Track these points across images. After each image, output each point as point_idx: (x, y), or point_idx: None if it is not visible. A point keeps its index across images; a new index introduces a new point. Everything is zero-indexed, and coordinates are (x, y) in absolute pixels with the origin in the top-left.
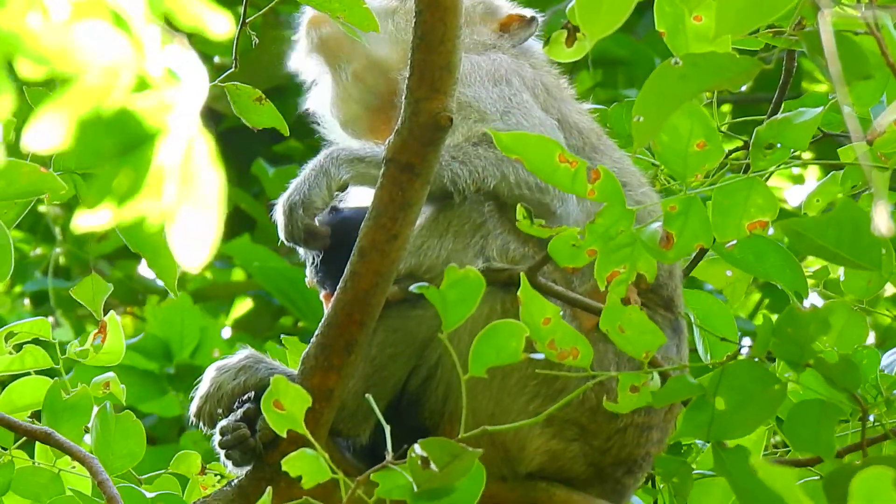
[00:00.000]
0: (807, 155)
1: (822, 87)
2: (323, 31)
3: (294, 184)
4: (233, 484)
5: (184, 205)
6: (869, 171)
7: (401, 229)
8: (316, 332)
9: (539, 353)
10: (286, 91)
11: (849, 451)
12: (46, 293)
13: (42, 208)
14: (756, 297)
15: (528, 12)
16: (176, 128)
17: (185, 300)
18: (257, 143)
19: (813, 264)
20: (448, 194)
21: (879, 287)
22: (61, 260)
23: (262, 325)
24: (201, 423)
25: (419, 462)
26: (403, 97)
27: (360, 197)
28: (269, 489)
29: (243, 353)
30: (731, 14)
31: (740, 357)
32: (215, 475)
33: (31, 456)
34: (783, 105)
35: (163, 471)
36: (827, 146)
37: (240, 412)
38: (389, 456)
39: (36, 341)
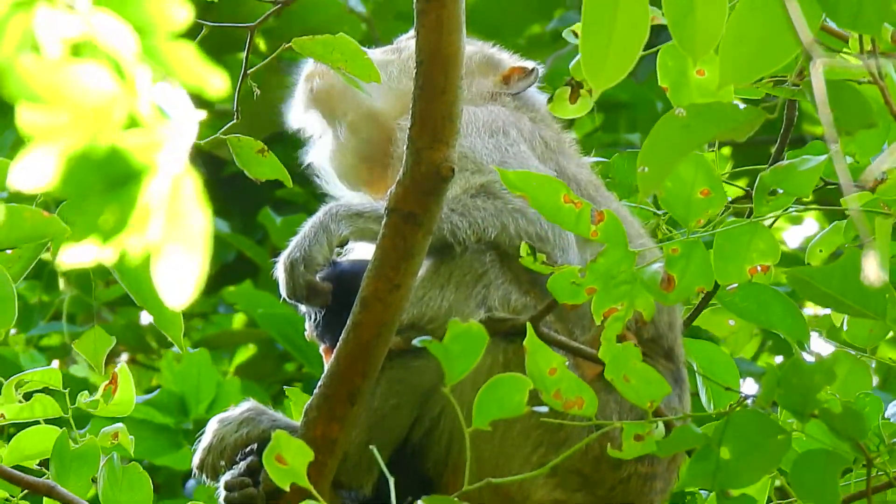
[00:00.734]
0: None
1: (822, 129)
2: (316, 86)
3: (294, 241)
4: None
5: (169, 243)
6: (860, 219)
7: (403, 279)
8: (318, 383)
9: (543, 403)
10: (287, 137)
11: (853, 499)
12: (48, 339)
13: (46, 255)
14: (758, 339)
15: (529, 64)
16: (164, 166)
17: (203, 355)
18: (259, 189)
19: (809, 305)
20: (448, 246)
21: (882, 336)
22: (65, 306)
23: (266, 370)
24: (204, 476)
25: None
26: (405, 147)
27: (359, 251)
28: None
29: (245, 405)
30: (734, 64)
31: (745, 406)
32: None
33: None
34: (786, 152)
35: None
36: (829, 191)
37: (243, 465)
38: None
39: (46, 389)
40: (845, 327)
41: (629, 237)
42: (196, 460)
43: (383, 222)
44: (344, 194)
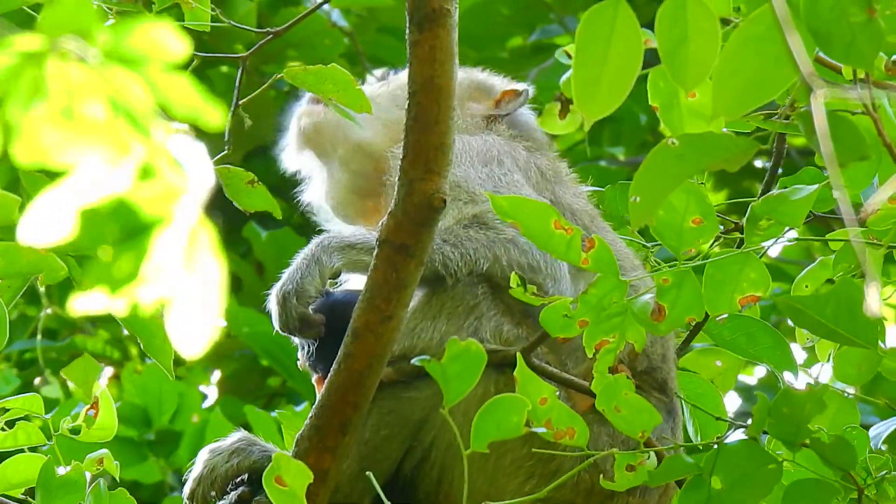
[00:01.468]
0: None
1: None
2: (304, 125)
3: (286, 273)
4: None
5: (184, 293)
6: (861, 251)
7: (395, 310)
8: (310, 414)
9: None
10: (271, 151)
11: None
12: (31, 353)
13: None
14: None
15: (520, 86)
16: (178, 216)
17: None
18: None
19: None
20: (440, 277)
21: (871, 373)
22: (40, 323)
23: (249, 385)
24: None
25: None
26: (397, 178)
27: (353, 281)
28: None
29: (236, 435)
30: (728, 95)
31: (737, 437)
32: None
33: None
34: (779, 181)
35: None
36: (816, 225)
37: (233, 495)
38: None
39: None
40: (833, 366)
41: (624, 270)
42: (187, 490)
43: (375, 253)
44: (342, 229)
